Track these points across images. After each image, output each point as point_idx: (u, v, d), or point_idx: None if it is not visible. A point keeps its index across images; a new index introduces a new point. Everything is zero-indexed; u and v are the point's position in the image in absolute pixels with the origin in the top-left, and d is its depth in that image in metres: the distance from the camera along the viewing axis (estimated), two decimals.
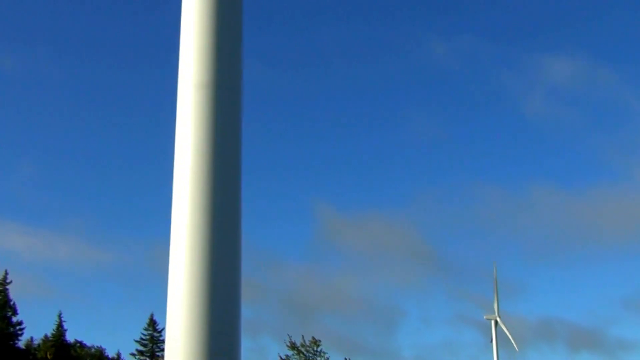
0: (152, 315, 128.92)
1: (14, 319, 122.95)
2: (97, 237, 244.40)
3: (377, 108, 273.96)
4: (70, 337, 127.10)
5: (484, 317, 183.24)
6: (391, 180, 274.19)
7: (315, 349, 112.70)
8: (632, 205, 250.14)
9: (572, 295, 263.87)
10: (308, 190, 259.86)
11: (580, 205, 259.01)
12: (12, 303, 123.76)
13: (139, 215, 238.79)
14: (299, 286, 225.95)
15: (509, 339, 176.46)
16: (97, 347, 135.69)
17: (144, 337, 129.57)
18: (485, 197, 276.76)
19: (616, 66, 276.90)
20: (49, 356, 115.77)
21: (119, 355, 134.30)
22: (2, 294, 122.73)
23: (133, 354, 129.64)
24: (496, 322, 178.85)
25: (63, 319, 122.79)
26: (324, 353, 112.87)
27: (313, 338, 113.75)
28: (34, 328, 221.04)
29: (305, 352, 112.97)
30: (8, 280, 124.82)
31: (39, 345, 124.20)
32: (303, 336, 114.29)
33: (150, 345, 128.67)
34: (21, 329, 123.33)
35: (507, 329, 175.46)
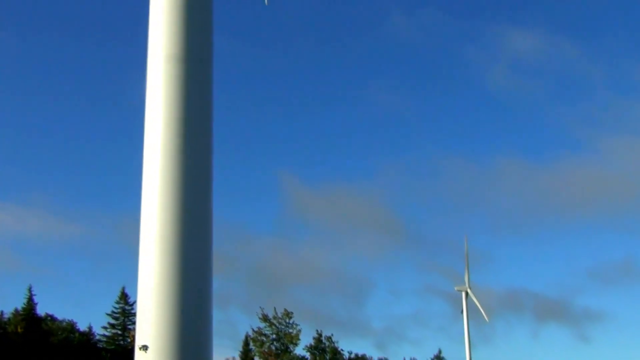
0: (123, 289, 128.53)
1: None
2: (65, 211, 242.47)
3: (342, 82, 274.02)
4: (40, 310, 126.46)
5: (455, 289, 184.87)
6: (357, 153, 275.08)
7: (287, 321, 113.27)
8: (596, 177, 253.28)
9: (538, 266, 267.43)
10: (275, 163, 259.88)
11: (546, 177, 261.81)
12: None
13: (107, 188, 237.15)
14: (268, 259, 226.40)
15: (479, 310, 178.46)
16: (68, 320, 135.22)
17: (115, 311, 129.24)
18: (452, 169, 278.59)
19: (576, 38, 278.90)
20: (19, 330, 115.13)
21: (90, 328, 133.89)
22: None
23: (105, 327, 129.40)
24: (467, 294, 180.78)
25: (33, 292, 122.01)
26: (296, 325, 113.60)
27: (285, 310, 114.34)
28: (4, 302, 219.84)
29: (277, 324, 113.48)
30: None
31: (9, 319, 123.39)
32: (275, 308, 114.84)
33: (122, 318, 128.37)
34: None
35: (478, 300, 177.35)
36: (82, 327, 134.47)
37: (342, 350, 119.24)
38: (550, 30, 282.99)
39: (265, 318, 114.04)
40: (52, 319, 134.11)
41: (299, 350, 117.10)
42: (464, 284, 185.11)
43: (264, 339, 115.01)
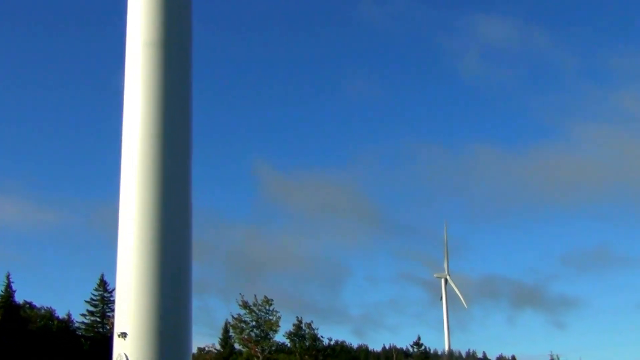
0: (102, 276, 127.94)
1: None
2: (44, 198, 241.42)
3: (316, 70, 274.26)
4: (19, 298, 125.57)
5: (434, 276, 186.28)
6: (332, 140, 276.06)
7: (267, 307, 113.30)
8: (570, 165, 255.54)
9: (514, 253, 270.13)
10: (250, 151, 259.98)
11: (521, 165, 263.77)
12: None
13: (85, 175, 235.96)
14: (245, 246, 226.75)
15: (457, 297, 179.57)
16: (47, 308, 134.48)
17: (94, 298, 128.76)
18: (427, 158, 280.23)
19: (549, 27, 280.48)
20: None
21: (69, 316, 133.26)
22: None
23: (84, 315, 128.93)
24: (446, 280, 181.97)
25: (11, 280, 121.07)
26: (276, 312, 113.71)
27: (265, 297, 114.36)
28: None
29: (257, 311, 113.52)
30: None
31: None
32: (255, 295, 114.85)
33: (101, 305, 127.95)
34: None
35: (457, 287, 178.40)
36: (60, 314, 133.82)
37: (322, 337, 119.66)
38: (523, 19, 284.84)
39: (245, 305, 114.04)
40: (31, 306, 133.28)
41: (279, 337, 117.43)
42: (443, 271, 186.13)
43: (244, 325, 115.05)
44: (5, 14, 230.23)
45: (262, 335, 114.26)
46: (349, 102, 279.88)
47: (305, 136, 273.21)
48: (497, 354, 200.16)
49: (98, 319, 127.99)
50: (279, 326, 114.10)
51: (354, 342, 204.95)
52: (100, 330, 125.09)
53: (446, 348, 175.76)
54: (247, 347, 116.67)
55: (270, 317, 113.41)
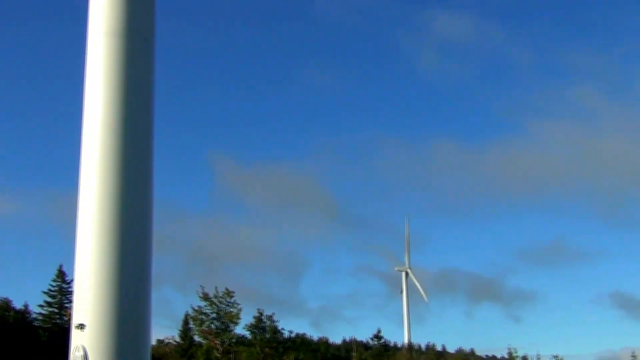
0: (61, 267, 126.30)
1: None
2: (0, 188, 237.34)
3: (275, 63, 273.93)
4: None
5: (395, 269, 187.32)
6: (292, 133, 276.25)
7: (227, 299, 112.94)
8: (526, 160, 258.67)
9: (471, 247, 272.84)
10: (207, 143, 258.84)
11: (478, 160, 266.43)
12: None
13: (44, 164, 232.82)
14: (203, 238, 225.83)
15: (417, 290, 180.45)
16: (4, 298, 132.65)
17: (52, 289, 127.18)
18: (385, 152, 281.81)
19: (505, 23, 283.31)
20: None
21: (26, 307, 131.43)
22: None
23: (41, 306, 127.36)
24: (407, 274, 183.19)
25: None
26: (237, 304, 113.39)
27: (226, 289, 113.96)
28: None
29: (217, 303, 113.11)
30: None
31: None
32: (216, 287, 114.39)
33: (59, 296, 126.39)
34: None
35: (418, 281, 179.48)
36: (17, 305, 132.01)
37: (282, 329, 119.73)
38: (480, 15, 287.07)
39: (205, 297, 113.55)
40: None
41: (239, 329, 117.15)
42: (404, 264, 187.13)
43: (204, 317, 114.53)
44: None
45: (223, 327, 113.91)
46: (308, 95, 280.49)
47: (265, 129, 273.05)
48: (456, 347, 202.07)
49: (56, 310, 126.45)
50: (240, 318, 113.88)
51: (315, 334, 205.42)
52: (58, 321, 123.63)
53: (406, 341, 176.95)
54: (207, 339, 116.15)
55: (231, 310, 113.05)
